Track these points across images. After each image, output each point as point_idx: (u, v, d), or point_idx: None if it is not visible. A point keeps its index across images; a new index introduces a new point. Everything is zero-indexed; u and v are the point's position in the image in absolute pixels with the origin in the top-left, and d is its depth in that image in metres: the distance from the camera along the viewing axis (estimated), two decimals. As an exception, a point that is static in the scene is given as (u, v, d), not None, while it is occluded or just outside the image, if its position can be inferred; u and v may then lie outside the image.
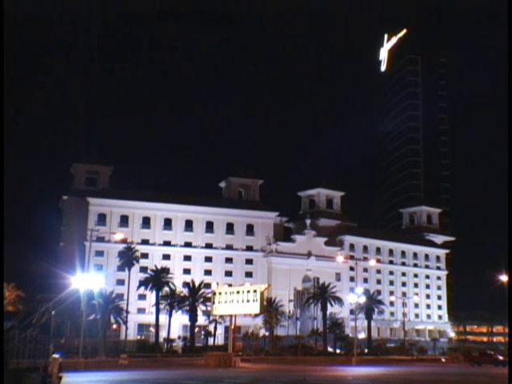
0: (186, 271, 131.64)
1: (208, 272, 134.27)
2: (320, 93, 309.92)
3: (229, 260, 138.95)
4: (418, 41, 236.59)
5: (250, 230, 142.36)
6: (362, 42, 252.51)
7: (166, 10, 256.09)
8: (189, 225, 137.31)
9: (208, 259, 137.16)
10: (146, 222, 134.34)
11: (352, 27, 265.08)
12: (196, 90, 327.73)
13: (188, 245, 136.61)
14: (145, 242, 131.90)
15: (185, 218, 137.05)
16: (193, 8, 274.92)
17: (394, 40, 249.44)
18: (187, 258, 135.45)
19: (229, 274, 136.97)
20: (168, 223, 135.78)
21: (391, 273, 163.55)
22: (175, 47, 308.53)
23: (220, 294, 70.56)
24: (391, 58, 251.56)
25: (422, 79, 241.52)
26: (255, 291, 65.07)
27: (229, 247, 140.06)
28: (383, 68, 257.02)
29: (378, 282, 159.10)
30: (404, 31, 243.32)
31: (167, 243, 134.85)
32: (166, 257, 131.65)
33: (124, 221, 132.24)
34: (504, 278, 77.82)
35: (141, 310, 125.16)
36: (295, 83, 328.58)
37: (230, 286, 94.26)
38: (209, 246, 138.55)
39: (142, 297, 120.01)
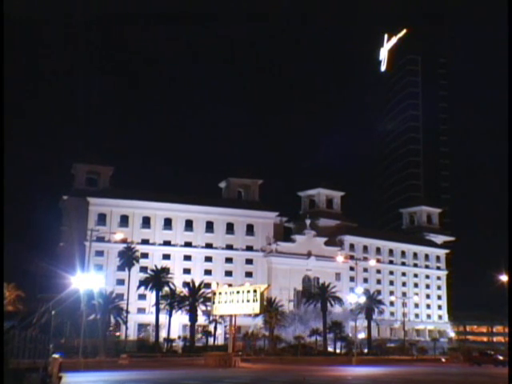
0: (186, 271, 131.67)
1: (208, 272, 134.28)
2: (320, 93, 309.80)
3: (229, 260, 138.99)
4: (417, 41, 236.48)
5: (250, 230, 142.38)
6: (362, 41, 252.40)
7: (167, 11, 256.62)
8: (189, 225, 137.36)
9: (208, 259, 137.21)
10: (146, 221, 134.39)
11: (352, 27, 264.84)
12: (196, 90, 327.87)
13: (188, 245, 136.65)
14: (145, 241, 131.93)
15: (185, 217, 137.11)
16: (193, 9, 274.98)
17: (394, 40, 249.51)
18: (187, 257, 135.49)
19: (229, 273, 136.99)
20: (168, 223, 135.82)
21: (391, 273, 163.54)
22: (176, 48, 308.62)
23: (220, 293, 70.53)
24: (391, 57, 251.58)
25: (422, 79, 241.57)
26: (255, 291, 64.99)
27: (229, 247, 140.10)
28: (383, 68, 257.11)
29: (378, 282, 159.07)
30: (404, 31, 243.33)
31: (167, 243, 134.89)
32: (166, 257, 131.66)
33: (124, 221, 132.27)
34: (504, 277, 77.87)
35: (141, 310, 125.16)
36: (295, 83, 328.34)
37: (229, 285, 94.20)
38: (209, 245, 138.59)
39: (142, 297, 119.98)
